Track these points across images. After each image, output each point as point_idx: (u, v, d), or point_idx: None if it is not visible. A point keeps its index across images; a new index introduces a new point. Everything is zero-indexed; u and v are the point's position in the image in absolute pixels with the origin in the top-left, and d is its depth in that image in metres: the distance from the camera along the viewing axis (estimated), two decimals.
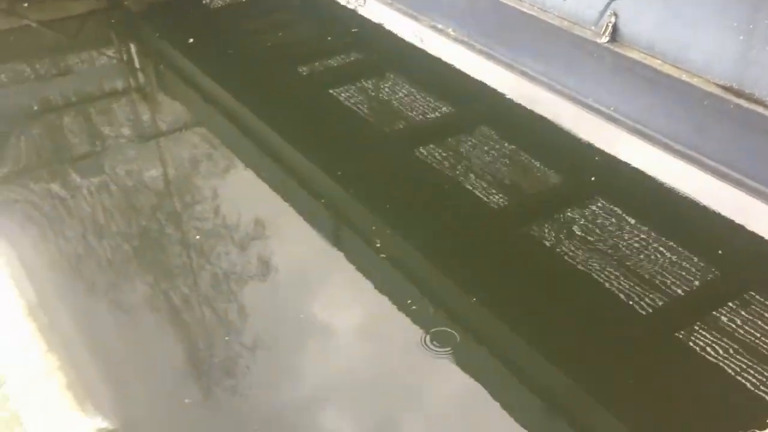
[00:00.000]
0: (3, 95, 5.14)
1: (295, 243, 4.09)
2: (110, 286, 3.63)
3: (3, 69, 5.42)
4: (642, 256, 3.73)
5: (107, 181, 4.29)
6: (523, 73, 3.68)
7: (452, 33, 3.89)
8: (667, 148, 3.40)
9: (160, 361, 3.34)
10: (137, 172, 4.47)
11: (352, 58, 5.67)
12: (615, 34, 3.44)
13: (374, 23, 5.56)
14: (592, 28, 3.52)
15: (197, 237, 4.11)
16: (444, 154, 4.54)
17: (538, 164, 4.39)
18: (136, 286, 3.70)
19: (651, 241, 3.84)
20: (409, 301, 3.60)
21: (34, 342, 3.12)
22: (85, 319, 3.37)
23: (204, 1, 6.50)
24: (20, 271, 3.34)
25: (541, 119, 4.43)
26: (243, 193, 4.48)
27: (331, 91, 5.14)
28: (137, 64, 5.57)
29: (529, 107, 4.43)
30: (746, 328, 3.33)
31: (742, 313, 3.40)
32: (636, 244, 3.82)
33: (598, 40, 3.47)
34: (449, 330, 3.49)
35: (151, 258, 3.92)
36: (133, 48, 5.74)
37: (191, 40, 5.62)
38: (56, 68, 5.43)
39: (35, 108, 4.97)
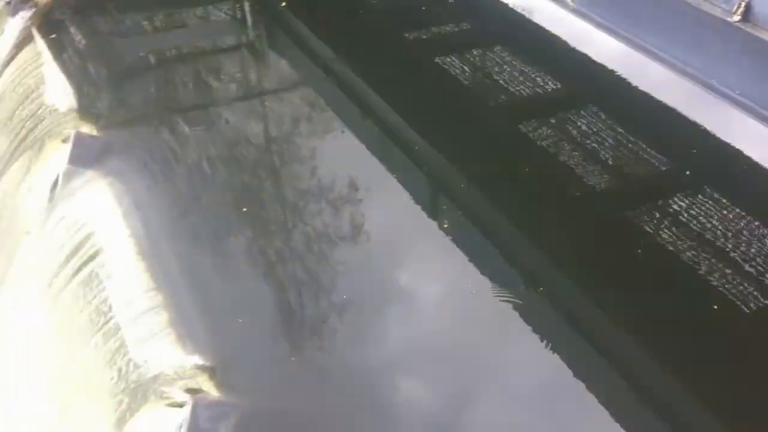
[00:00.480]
0: (121, 44, 5.37)
1: (389, 209, 4.10)
2: (212, 234, 3.76)
3: (122, 19, 5.67)
4: (751, 253, 3.54)
5: (213, 134, 4.43)
6: (644, 49, 3.52)
7: (571, 4, 3.77)
8: None
9: (254, 309, 3.45)
10: (241, 127, 4.59)
11: (460, 28, 5.58)
12: (748, 14, 3.24)
13: None
14: (723, 5, 3.31)
15: (293, 196, 4.21)
16: (547, 132, 4.43)
17: (647, 148, 4.22)
18: (236, 236, 3.82)
19: (762, 236, 3.63)
20: (502, 276, 3.56)
21: (143, 279, 3.29)
22: (188, 262, 3.51)
23: None
24: (133, 212, 3.51)
25: (656, 101, 4.23)
26: (340, 156, 4.53)
27: (436, 60, 5.09)
28: (249, 22, 5.69)
29: (644, 87, 4.24)
30: None
31: None
32: (746, 240, 3.62)
33: (729, 19, 3.27)
34: (542, 308, 3.44)
35: (250, 211, 4.04)
36: (246, 5, 5.86)
37: (283, 4, 5.68)
38: (172, 21, 5.62)
39: (150, 59, 5.18)
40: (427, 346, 3.25)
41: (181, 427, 2.70)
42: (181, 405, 2.80)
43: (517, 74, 4.91)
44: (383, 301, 3.52)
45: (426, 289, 3.53)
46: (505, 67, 5.00)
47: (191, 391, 2.82)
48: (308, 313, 3.55)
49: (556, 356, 3.17)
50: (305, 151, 4.57)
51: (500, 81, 4.86)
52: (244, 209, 4.01)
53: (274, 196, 4.28)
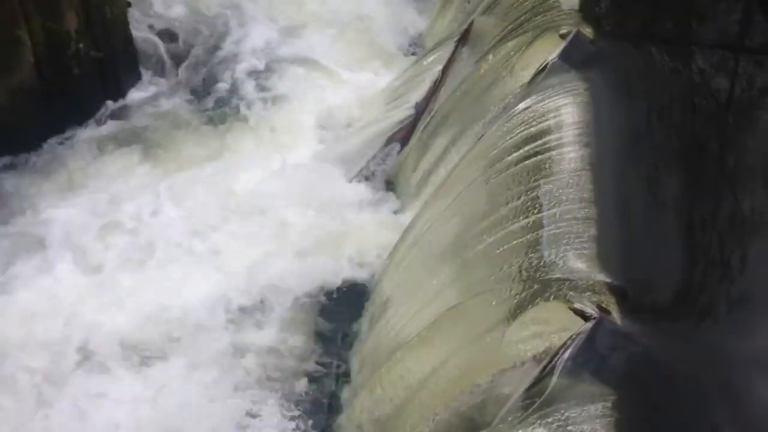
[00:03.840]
0: None
1: None
2: (651, 168, 3.66)
3: None
4: None
5: (682, 72, 4.20)
6: None
7: None
8: None
9: (665, 259, 3.35)
10: (709, 75, 4.28)
11: None
12: None
13: None
14: None
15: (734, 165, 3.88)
16: None
17: None
18: (670, 181, 3.68)
19: None
20: None
21: (581, 189, 3.39)
22: (623, 187, 3.49)
23: None
24: (591, 123, 3.55)
25: None
26: None
27: None
28: None
29: None
30: None
31: None
32: None
33: None
34: None
35: (689, 163, 3.84)
36: None
37: None
38: None
39: None
40: None
41: (579, 333, 2.78)
42: (584, 316, 2.87)
43: None
44: None
45: None
46: None
47: (600, 309, 2.86)
48: (707, 289, 3.38)
49: None
50: (763, 124, 4.16)
51: None
52: (686, 158, 3.83)
53: (715, 157, 4.02)
